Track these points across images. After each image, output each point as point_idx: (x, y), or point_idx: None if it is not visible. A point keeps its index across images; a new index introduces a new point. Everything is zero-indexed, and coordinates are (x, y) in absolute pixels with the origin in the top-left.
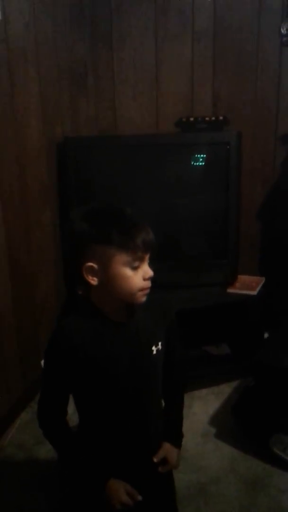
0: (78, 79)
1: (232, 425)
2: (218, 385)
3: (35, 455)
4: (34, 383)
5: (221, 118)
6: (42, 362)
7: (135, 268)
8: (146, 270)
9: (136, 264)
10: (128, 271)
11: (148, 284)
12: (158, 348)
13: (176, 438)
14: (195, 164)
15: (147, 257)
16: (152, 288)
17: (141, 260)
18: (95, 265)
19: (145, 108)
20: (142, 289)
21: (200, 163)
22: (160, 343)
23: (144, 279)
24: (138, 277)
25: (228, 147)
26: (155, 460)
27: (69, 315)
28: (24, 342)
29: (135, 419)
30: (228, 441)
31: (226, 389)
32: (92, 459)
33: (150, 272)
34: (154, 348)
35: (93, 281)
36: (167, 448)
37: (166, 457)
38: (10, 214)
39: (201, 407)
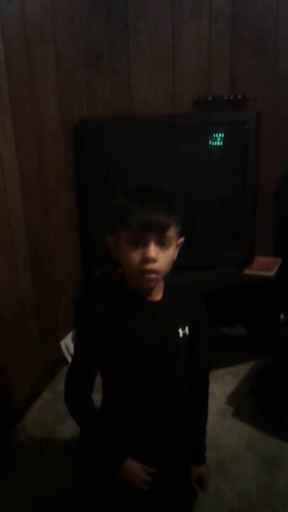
0: (94, 60)
1: (249, 405)
2: (234, 365)
3: (57, 433)
4: (54, 363)
5: (239, 97)
6: (62, 342)
7: (135, 248)
8: (144, 251)
9: (135, 243)
10: (127, 249)
11: (146, 266)
12: (185, 332)
13: (203, 458)
14: (212, 144)
15: (151, 238)
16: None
17: (143, 240)
18: (112, 238)
19: (161, 88)
20: (141, 271)
21: (218, 143)
22: (187, 328)
23: (142, 260)
24: (137, 257)
25: (246, 126)
26: (194, 487)
27: (100, 294)
28: (44, 324)
29: (156, 400)
30: (246, 420)
31: (242, 370)
32: (112, 437)
33: (147, 253)
34: (180, 331)
35: (114, 254)
36: (196, 472)
37: (199, 478)
38: (29, 199)
39: (218, 387)
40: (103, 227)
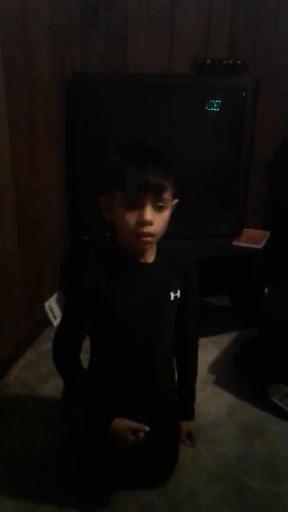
0: (90, 14)
1: (231, 374)
2: (217, 335)
3: (39, 393)
4: (38, 324)
5: (239, 62)
6: (46, 304)
7: (131, 210)
8: (141, 213)
9: (131, 205)
10: (123, 211)
11: (142, 229)
12: (176, 296)
13: (192, 414)
14: (208, 109)
15: (147, 200)
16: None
17: (139, 201)
18: (105, 199)
19: (158, 46)
20: (136, 234)
21: (214, 109)
22: (178, 291)
23: (138, 223)
24: (132, 219)
25: (244, 94)
26: (183, 443)
27: (95, 253)
28: (29, 284)
29: (144, 361)
30: (227, 388)
31: (225, 339)
32: (99, 397)
33: (144, 216)
34: (172, 294)
35: (107, 216)
36: (186, 427)
37: (188, 433)
38: (17, 155)
39: (200, 355)
40: (92, 189)
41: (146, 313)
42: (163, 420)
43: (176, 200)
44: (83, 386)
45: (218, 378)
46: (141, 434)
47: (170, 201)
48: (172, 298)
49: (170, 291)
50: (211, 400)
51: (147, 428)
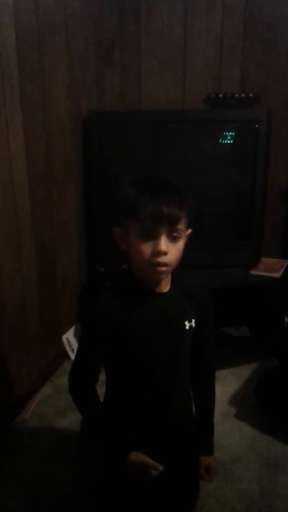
0: (105, 53)
1: (252, 406)
2: (237, 366)
3: (56, 427)
4: (55, 358)
5: (251, 95)
6: (64, 337)
7: (146, 240)
8: (155, 244)
9: (146, 235)
10: (138, 242)
11: (157, 259)
12: (191, 325)
13: (211, 449)
14: (222, 142)
15: (162, 230)
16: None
17: (154, 232)
18: (120, 230)
19: (171, 83)
20: (151, 264)
21: (228, 141)
22: (193, 320)
23: (153, 253)
24: (147, 249)
25: (257, 125)
26: (202, 479)
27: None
28: (46, 318)
29: (161, 392)
30: (248, 421)
31: (244, 371)
32: (115, 429)
33: (158, 247)
34: (187, 323)
35: (122, 245)
36: (205, 462)
37: (207, 468)
38: (35, 190)
39: (220, 388)
40: (108, 221)
41: (161, 343)
42: (181, 453)
43: (190, 230)
44: (99, 416)
45: (239, 411)
46: (154, 472)
47: (184, 231)
48: (187, 327)
49: (185, 320)
50: (232, 434)
51: (161, 468)
